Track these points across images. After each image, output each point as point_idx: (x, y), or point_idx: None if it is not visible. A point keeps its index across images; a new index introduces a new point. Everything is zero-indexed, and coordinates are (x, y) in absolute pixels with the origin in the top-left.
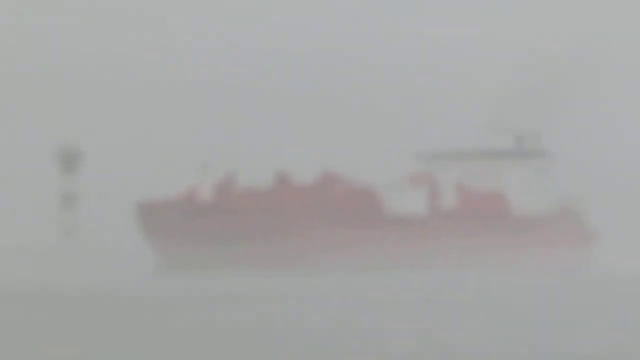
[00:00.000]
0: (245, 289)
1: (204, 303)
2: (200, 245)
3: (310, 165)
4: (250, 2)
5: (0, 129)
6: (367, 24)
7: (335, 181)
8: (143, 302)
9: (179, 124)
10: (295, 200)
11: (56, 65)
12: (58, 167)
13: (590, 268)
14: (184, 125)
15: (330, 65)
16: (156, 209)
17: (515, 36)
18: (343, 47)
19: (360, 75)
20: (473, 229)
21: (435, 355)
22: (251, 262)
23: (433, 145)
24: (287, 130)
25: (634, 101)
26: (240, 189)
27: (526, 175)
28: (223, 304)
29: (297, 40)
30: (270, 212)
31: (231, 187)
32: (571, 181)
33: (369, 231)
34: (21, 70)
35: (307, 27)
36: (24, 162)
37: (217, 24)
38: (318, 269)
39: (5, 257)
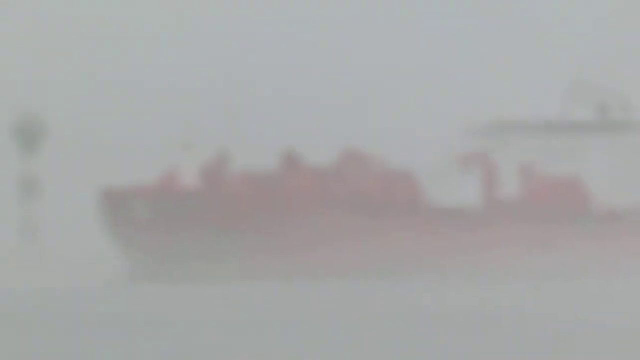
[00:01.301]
0: (238, 303)
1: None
2: (182, 244)
3: (327, 144)
4: None
5: None
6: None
7: (359, 163)
8: (111, 318)
9: (161, 95)
10: (307, 186)
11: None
12: (17, 146)
13: None
14: (168, 97)
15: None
16: (126, 198)
17: None
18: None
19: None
20: (541, 226)
21: None
22: (249, 265)
23: (490, 116)
24: (297, 98)
25: None
26: (235, 172)
27: (612, 155)
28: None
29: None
30: (274, 201)
31: (223, 170)
32: None
33: (402, 227)
34: None
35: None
36: None
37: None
38: (332, 274)
39: None
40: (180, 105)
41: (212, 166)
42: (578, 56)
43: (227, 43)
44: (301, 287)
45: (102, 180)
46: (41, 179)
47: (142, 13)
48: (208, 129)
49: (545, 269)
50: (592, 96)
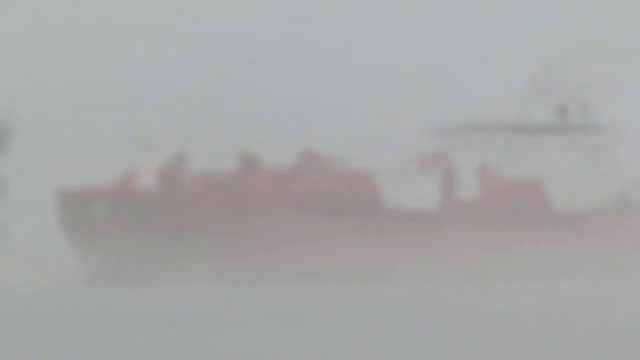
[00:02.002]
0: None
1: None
2: (139, 245)
3: (287, 147)
4: None
5: None
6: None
7: (318, 164)
8: (64, 322)
9: (121, 96)
10: (265, 188)
11: None
12: None
13: None
14: (127, 98)
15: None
16: (82, 198)
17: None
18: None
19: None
20: (499, 228)
21: None
22: (204, 269)
23: (450, 117)
24: (258, 103)
25: None
26: (192, 174)
27: (571, 156)
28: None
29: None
30: (232, 203)
31: (181, 171)
32: (633, 164)
33: (360, 229)
34: None
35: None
36: None
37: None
38: (292, 277)
39: None
40: (139, 107)
41: (170, 167)
42: (538, 57)
43: (187, 44)
44: (259, 290)
45: (63, 180)
46: (6, 178)
47: (98, 17)
48: (166, 130)
49: (500, 270)
50: (552, 98)
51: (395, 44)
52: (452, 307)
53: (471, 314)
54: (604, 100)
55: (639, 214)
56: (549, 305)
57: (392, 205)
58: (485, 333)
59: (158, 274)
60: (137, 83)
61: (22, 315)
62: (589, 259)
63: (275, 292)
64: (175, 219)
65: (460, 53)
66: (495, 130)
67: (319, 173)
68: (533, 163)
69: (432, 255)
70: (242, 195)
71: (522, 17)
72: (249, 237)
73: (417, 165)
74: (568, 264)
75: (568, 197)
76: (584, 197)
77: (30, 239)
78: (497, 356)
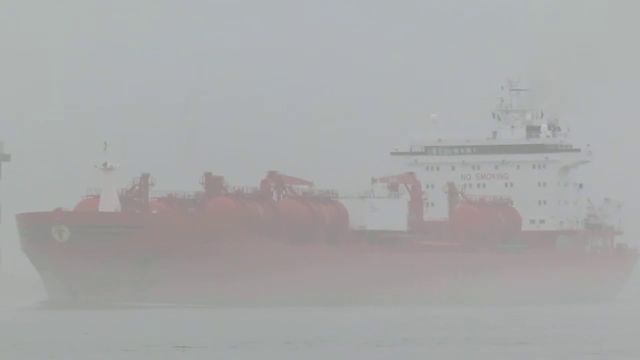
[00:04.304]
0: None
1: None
2: (100, 269)
3: (255, 168)
4: None
5: None
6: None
7: (283, 186)
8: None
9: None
10: (229, 211)
11: None
12: None
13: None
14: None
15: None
16: (41, 222)
17: None
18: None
19: None
20: (467, 251)
21: None
22: (168, 291)
23: (418, 138)
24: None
25: None
26: (156, 195)
27: (541, 176)
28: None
29: None
30: (196, 225)
31: (144, 193)
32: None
33: (327, 252)
34: None
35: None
36: None
37: None
38: (256, 301)
39: None
40: (101, 127)
41: (133, 189)
42: (508, 78)
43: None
44: (223, 314)
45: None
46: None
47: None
48: (129, 152)
49: (469, 292)
50: (521, 118)
51: (363, 66)
52: (420, 329)
53: (440, 334)
54: (574, 121)
55: (608, 235)
56: (517, 327)
57: (358, 227)
58: (458, 354)
59: (118, 297)
60: (101, 109)
61: None
62: (559, 282)
63: (238, 316)
64: (138, 242)
65: (430, 73)
66: (464, 151)
67: (285, 196)
68: (502, 183)
69: (399, 280)
70: (206, 218)
71: (492, 37)
72: (212, 262)
73: (385, 188)
74: (537, 286)
75: (537, 218)
76: (553, 218)
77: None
78: None
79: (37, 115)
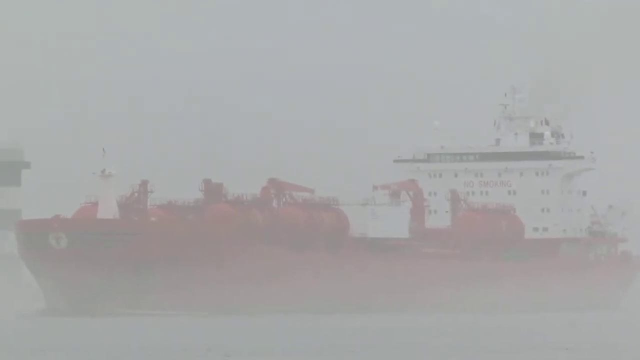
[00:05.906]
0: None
1: None
2: (99, 277)
3: (255, 175)
4: None
5: None
6: None
7: (283, 193)
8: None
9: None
10: (229, 218)
11: None
12: None
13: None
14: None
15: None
16: (38, 229)
17: None
18: None
19: None
20: (470, 259)
21: None
22: (167, 299)
23: (420, 145)
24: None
25: None
26: (155, 203)
27: (544, 183)
28: None
29: None
30: (195, 232)
31: (143, 200)
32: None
33: (328, 260)
34: None
35: None
36: None
37: None
38: (257, 309)
39: None
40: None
41: (132, 196)
42: (512, 85)
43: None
44: (222, 321)
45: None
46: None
47: None
48: (128, 159)
49: (472, 302)
50: (524, 125)
51: (363, 72)
52: (423, 337)
53: (442, 342)
54: (578, 128)
55: (612, 243)
56: (520, 335)
57: (359, 235)
58: None
59: (119, 305)
60: (100, 115)
61: None
62: (563, 289)
63: (238, 323)
64: (136, 249)
65: (433, 80)
66: (467, 159)
67: (286, 203)
68: (504, 191)
69: (401, 288)
70: (205, 225)
71: (496, 43)
72: (211, 269)
73: (387, 195)
74: (541, 294)
75: (540, 225)
76: (556, 226)
77: None
78: None
79: (37, 119)
